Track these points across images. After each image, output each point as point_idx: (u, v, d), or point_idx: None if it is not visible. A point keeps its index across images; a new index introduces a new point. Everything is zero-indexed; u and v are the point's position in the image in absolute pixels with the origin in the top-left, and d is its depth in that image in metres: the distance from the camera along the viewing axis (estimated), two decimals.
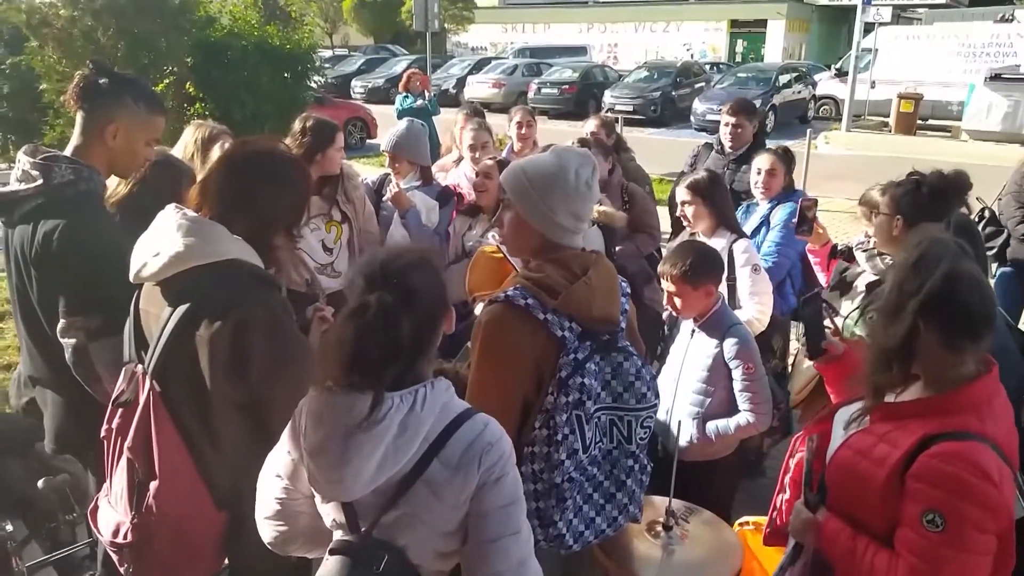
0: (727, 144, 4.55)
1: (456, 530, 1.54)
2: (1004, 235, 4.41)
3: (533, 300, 1.95)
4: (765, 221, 3.84)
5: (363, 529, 1.55)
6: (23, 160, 2.25)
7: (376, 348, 1.44)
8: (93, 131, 2.28)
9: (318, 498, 1.61)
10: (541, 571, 1.61)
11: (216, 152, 3.14)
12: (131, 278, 1.98)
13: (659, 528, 2.33)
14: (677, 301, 2.84)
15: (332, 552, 1.58)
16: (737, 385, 2.81)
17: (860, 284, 2.94)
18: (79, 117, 2.30)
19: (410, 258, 1.55)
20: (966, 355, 1.67)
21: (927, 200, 2.55)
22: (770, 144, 4.45)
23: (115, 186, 2.71)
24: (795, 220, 3.26)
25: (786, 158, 3.94)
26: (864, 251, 3.12)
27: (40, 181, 2.20)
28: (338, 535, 1.61)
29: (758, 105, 17.52)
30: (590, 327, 1.99)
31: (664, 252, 3.81)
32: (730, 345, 2.79)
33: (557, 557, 2.16)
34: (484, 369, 1.98)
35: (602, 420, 2.03)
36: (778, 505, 2.13)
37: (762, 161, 3.92)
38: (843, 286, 3.09)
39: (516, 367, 1.96)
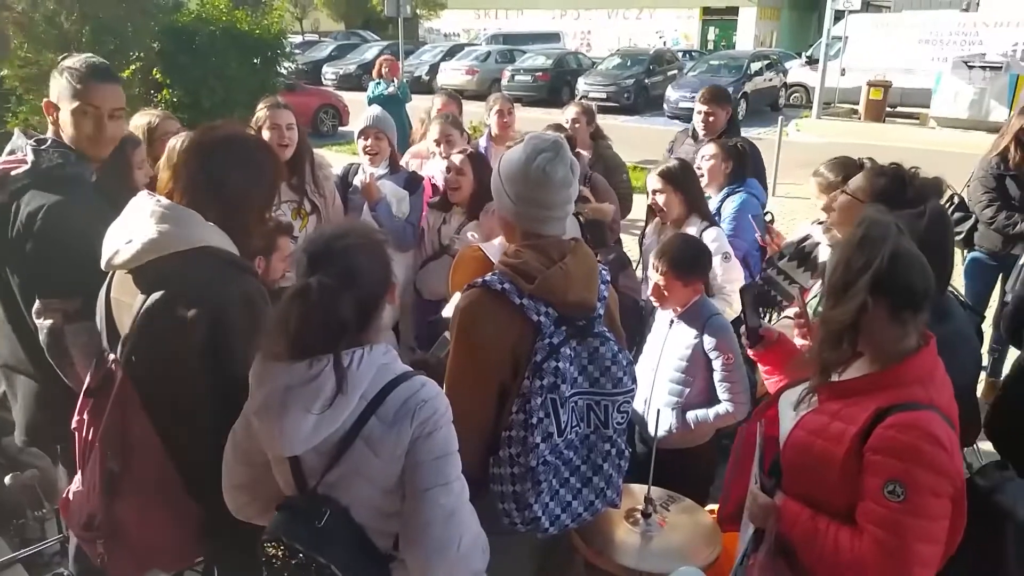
0: (700, 131, 4.58)
1: (395, 487, 1.61)
2: (972, 220, 4.48)
3: (510, 285, 1.96)
4: (716, 212, 3.83)
5: (311, 487, 1.62)
6: (19, 139, 2.30)
7: (318, 329, 1.52)
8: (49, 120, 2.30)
9: (273, 464, 1.68)
10: (474, 526, 1.66)
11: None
12: (102, 266, 1.95)
13: (638, 515, 2.34)
14: (664, 292, 2.85)
15: (278, 508, 1.66)
16: (716, 375, 2.82)
17: (821, 255, 2.98)
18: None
19: (353, 239, 1.62)
20: (909, 327, 1.74)
21: (908, 203, 2.55)
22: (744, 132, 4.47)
23: None
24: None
25: (733, 149, 3.93)
26: (820, 223, 3.23)
27: (29, 164, 2.23)
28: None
29: (730, 94, 17.79)
30: (566, 312, 2.00)
31: (643, 240, 3.82)
32: (710, 336, 2.80)
33: (534, 544, 2.16)
34: (462, 353, 1.98)
35: (579, 405, 2.04)
36: (728, 492, 2.20)
37: (707, 149, 3.96)
38: (801, 256, 3.16)
39: (493, 351, 1.96)
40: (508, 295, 1.95)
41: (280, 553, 1.59)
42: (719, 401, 2.83)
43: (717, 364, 2.80)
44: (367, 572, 1.61)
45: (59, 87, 2.27)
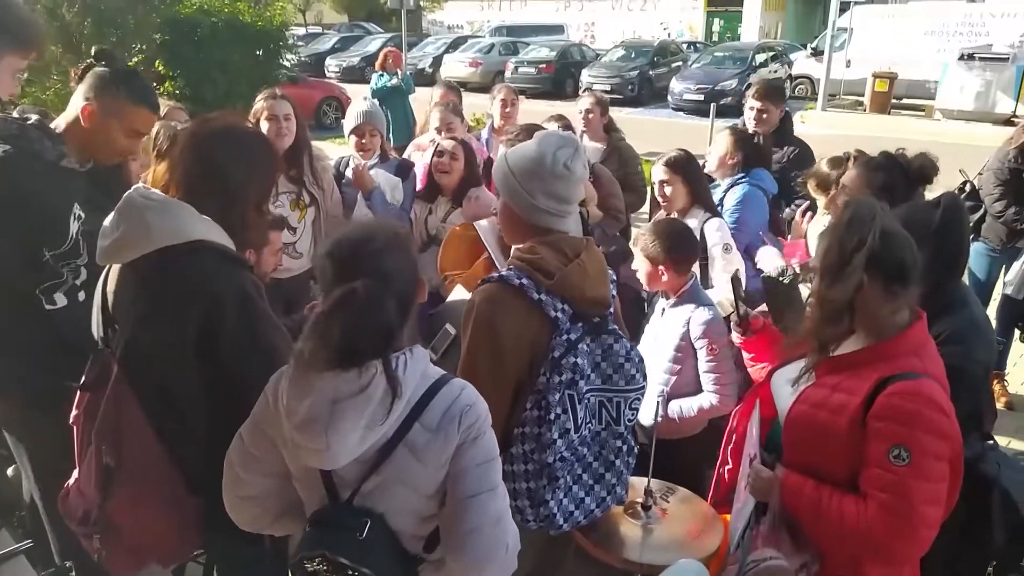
0: (752, 128, 4.35)
1: (436, 492, 1.58)
2: (981, 211, 4.45)
3: (528, 280, 1.95)
4: (720, 202, 3.78)
5: (344, 497, 1.57)
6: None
7: (367, 335, 1.46)
8: (74, 110, 2.30)
9: (295, 473, 1.63)
10: (517, 531, 1.64)
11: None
12: (97, 259, 1.95)
13: (638, 507, 2.34)
14: (646, 276, 2.86)
15: (313, 522, 1.60)
16: (702, 365, 2.80)
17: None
18: (74, 96, 2.34)
19: (382, 241, 1.56)
20: (900, 301, 1.82)
21: (905, 188, 2.56)
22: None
23: None
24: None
25: (744, 141, 3.88)
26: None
27: None
28: (315, 507, 1.63)
29: (734, 85, 17.79)
30: (582, 309, 2.01)
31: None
32: (697, 324, 2.78)
33: (536, 540, 2.16)
34: (478, 349, 1.96)
35: (591, 402, 2.04)
36: (722, 475, 2.28)
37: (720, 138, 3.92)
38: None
39: (511, 347, 1.95)
40: (526, 291, 1.94)
41: (323, 569, 1.54)
42: (704, 392, 2.81)
43: (702, 353, 2.78)
44: None
45: (112, 101, 2.28)
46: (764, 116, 4.33)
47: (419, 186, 3.88)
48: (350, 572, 1.51)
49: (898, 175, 2.54)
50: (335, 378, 1.47)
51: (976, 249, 4.57)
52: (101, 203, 1.98)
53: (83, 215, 2.33)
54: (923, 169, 2.56)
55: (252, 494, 1.69)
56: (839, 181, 3.34)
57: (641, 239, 2.86)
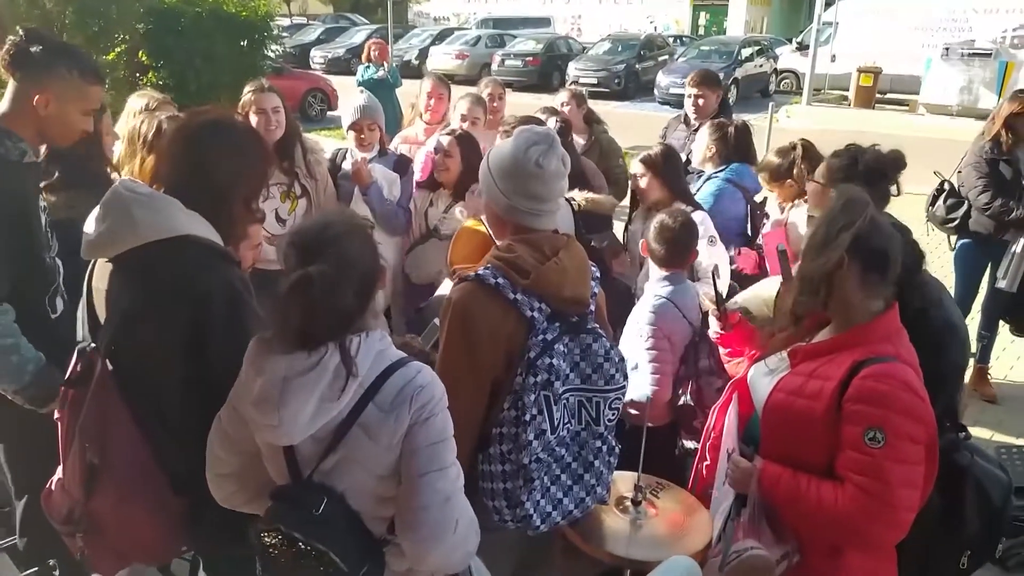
0: (691, 115, 4.62)
1: (391, 473, 1.61)
2: (965, 206, 4.46)
3: (503, 280, 1.94)
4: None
5: (306, 475, 1.62)
6: None
7: (323, 319, 1.52)
8: (22, 99, 2.22)
9: (263, 451, 1.67)
10: (468, 509, 1.67)
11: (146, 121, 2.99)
12: (82, 254, 1.92)
13: (627, 503, 2.34)
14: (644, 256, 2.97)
15: (272, 497, 1.65)
16: (642, 356, 2.81)
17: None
18: (10, 83, 2.25)
19: (340, 227, 1.60)
20: (875, 291, 1.85)
21: (861, 176, 2.58)
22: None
23: None
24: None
25: (720, 133, 3.90)
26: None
27: None
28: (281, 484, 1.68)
29: (720, 79, 17.80)
30: (560, 308, 1.99)
31: (628, 226, 3.81)
32: (637, 311, 2.85)
33: (517, 540, 2.15)
34: (453, 348, 1.95)
35: (570, 401, 2.03)
36: (701, 471, 2.30)
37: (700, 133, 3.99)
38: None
39: (486, 347, 1.94)
40: (502, 290, 1.92)
41: (278, 542, 1.58)
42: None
43: (641, 342, 2.80)
44: (364, 557, 1.61)
45: (65, 84, 2.22)
46: (701, 103, 4.54)
47: (420, 176, 3.83)
48: (301, 545, 1.55)
49: (850, 163, 2.58)
50: (287, 357, 1.53)
51: (963, 245, 4.59)
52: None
53: (46, 205, 2.29)
54: (875, 163, 2.58)
55: (226, 472, 1.74)
56: (791, 170, 3.51)
57: (649, 236, 2.91)
